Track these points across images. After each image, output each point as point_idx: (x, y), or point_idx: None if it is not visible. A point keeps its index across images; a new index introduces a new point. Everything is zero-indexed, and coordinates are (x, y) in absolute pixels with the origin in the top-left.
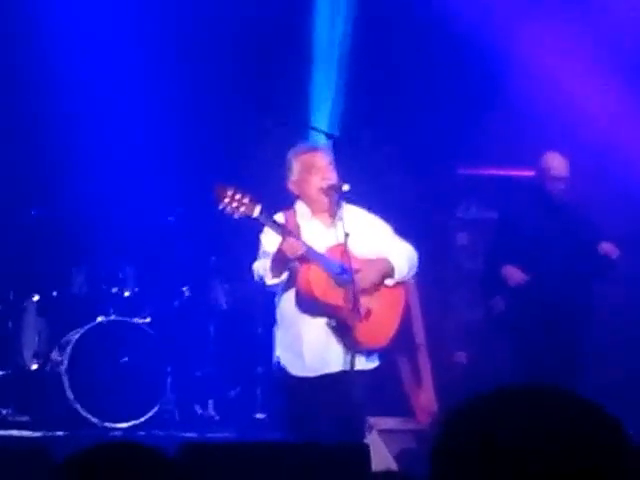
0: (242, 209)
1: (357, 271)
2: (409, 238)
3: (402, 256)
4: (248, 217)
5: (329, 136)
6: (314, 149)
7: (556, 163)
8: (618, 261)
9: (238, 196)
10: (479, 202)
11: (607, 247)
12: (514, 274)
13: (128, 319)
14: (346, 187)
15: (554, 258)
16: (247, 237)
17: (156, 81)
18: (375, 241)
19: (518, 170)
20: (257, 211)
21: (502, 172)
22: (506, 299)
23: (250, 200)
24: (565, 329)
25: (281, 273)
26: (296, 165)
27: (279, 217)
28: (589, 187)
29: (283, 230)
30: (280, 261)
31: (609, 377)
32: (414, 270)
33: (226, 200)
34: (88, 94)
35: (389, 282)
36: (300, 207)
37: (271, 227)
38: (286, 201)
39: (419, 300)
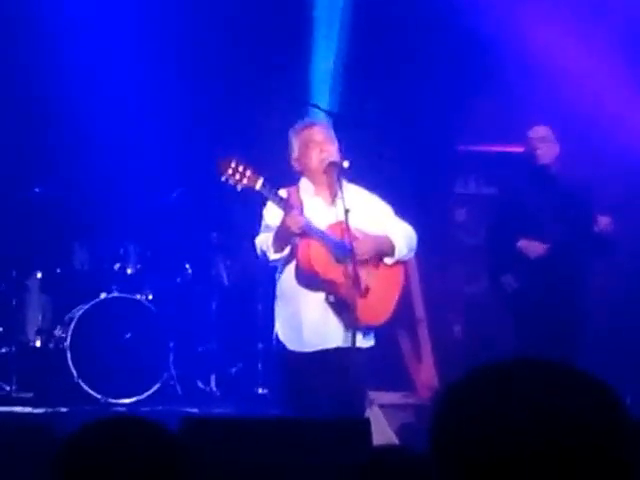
0: (245, 181)
1: (355, 239)
2: (408, 214)
3: (402, 236)
4: (251, 189)
5: (329, 114)
6: (312, 124)
7: (539, 133)
8: (613, 233)
9: (241, 168)
10: (477, 178)
11: (602, 222)
12: (533, 246)
13: (130, 296)
14: (346, 164)
15: (553, 231)
16: (249, 213)
17: (158, 60)
18: (375, 221)
19: (516, 146)
20: (260, 183)
21: (500, 148)
22: (519, 275)
23: (253, 172)
24: (565, 304)
25: (284, 248)
26: (295, 142)
27: (282, 193)
28: (586, 161)
29: (285, 204)
30: (283, 236)
31: (606, 352)
32: (413, 251)
33: (229, 172)
34: (89, 72)
35: (388, 261)
36: (303, 184)
37: (273, 200)
38: (289, 182)
39: (419, 275)
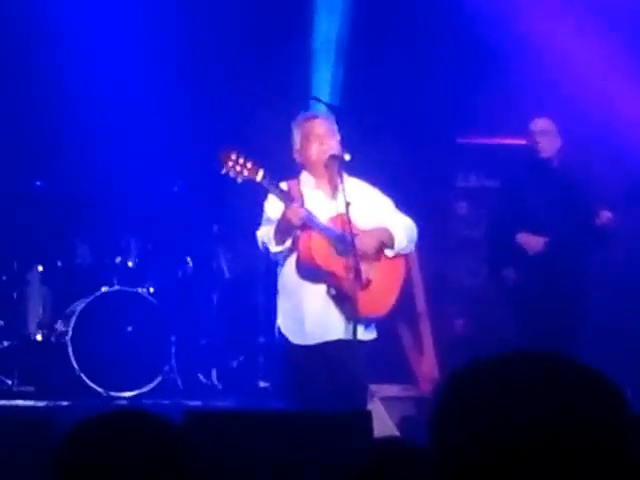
0: (245, 173)
1: (356, 235)
2: (409, 207)
3: (402, 228)
4: (251, 181)
5: (330, 107)
6: (313, 117)
7: (540, 125)
8: (614, 227)
9: (241, 160)
10: (478, 171)
11: (603, 215)
12: (532, 242)
13: (132, 289)
14: (347, 157)
15: (554, 224)
16: (250, 206)
17: (157, 52)
18: (376, 214)
19: (517, 139)
20: (260, 175)
21: (501, 141)
22: (520, 268)
23: (253, 164)
24: (566, 298)
25: (285, 240)
26: (297, 134)
27: (283, 186)
28: (587, 155)
29: (286, 196)
30: (284, 228)
31: (606, 345)
32: (413, 243)
33: (230, 164)
34: (90, 65)
35: (389, 253)
36: (304, 177)
37: (274, 192)
38: (291, 175)
39: (420, 268)
